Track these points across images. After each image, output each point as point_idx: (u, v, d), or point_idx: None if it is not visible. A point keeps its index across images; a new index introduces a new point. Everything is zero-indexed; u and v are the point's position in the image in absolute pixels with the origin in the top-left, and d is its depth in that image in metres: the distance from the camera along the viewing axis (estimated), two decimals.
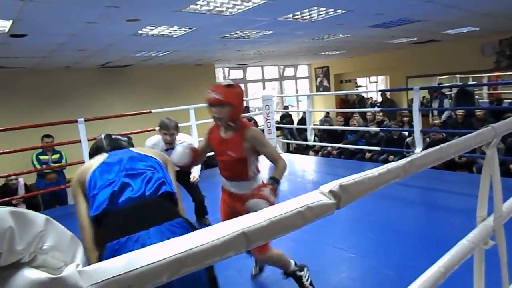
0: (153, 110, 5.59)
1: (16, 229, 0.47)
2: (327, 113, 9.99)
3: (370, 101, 11.58)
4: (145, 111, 5.62)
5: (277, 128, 7.28)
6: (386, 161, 6.42)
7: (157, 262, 0.44)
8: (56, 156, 5.54)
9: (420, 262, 2.60)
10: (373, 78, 12.64)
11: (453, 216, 3.50)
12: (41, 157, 5.42)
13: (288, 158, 6.89)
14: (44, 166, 5.37)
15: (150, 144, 3.31)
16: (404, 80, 10.03)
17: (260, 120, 7.93)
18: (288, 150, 8.99)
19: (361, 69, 11.49)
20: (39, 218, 0.53)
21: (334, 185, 0.71)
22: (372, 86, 12.48)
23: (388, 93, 10.43)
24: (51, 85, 7.18)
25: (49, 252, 0.51)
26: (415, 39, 7.63)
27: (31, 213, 0.52)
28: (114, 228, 1.27)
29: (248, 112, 8.40)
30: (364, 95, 11.73)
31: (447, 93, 9.06)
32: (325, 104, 11.95)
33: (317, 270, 2.67)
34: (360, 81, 12.61)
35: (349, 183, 0.73)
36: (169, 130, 3.25)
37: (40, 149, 5.41)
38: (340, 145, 6.94)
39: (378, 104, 11.00)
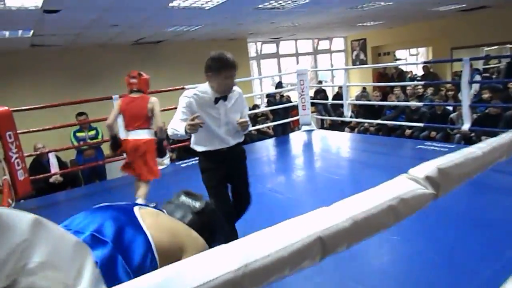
0: (186, 86, 5.51)
1: None
2: (364, 88, 9.57)
3: (409, 75, 10.96)
4: (178, 87, 5.56)
5: (312, 104, 7.04)
6: (428, 138, 6.07)
7: (205, 284, 0.30)
8: (93, 132, 5.63)
9: (471, 248, 2.40)
10: (413, 51, 11.93)
11: (508, 198, 3.23)
12: (78, 134, 5.53)
13: (323, 134, 6.68)
14: (81, 142, 5.47)
15: (191, 96, 2.31)
16: (448, 52, 9.37)
17: (293, 95, 7.70)
18: (322, 126, 8.74)
19: (401, 41, 10.84)
20: (22, 220, 0.37)
21: (429, 168, 0.54)
22: (412, 59, 11.79)
23: (430, 66, 9.81)
24: (86, 63, 7.26)
25: (39, 272, 0.35)
26: (464, 5, 7.02)
27: (10, 213, 0.36)
28: None
29: (281, 87, 8.17)
30: (404, 68, 11.11)
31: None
32: (361, 79, 11.45)
33: (357, 252, 2.53)
34: (399, 53, 11.94)
35: (450, 166, 0.55)
36: (232, 70, 2.25)
37: (77, 127, 5.51)
38: (379, 121, 6.62)
39: (418, 78, 10.40)
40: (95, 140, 5.57)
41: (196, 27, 6.36)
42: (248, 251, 0.33)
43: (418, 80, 9.87)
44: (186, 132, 2.13)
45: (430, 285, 2.11)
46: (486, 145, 0.63)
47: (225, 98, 2.36)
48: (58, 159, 5.57)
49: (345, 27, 9.42)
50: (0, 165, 3.94)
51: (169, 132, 2.28)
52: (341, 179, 4.16)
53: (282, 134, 7.04)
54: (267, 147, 6.13)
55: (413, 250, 2.51)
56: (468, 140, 5.59)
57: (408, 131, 6.49)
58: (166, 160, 5.76)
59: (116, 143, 3.53)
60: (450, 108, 6.31)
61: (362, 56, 11.69)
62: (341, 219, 0.40)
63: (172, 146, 6.19)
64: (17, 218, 0.35)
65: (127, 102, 3.55)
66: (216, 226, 1.31)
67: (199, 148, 2.43)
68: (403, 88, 7.85)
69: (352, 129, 7.71)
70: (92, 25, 5.01)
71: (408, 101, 6.79)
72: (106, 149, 6.06)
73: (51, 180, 5.15)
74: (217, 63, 2.24)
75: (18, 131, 4.16)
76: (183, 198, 1.30)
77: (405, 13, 7.35)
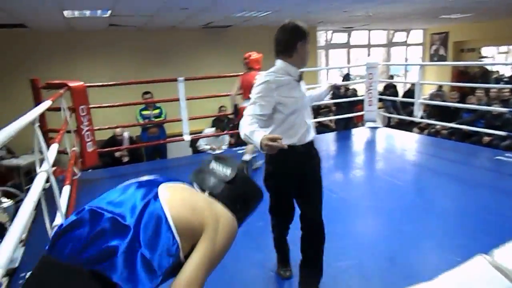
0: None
1: None
2: (440, 86, 8.81)
3: (495, 76, 9.86)
4: (242, 73, 5.53)
5: (379, 100, 6.63)
6: (510, 148, 5.42)
7: None
8: (157, 111, 5.85)
9: None
10: (502, 48, 10.69)
11: None
12: (144, 112, 5.78)
13: (388, 133, 6.28)
14: (146, 120, 5.72)
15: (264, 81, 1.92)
16: None
17: (361, 89, 7.32)
18: (388, 124, 8.23)
19: (489, 37, 9.75)
20: None
21: None
22: (500, 58, 10.59)
23: None
24: (157, 44, 7.50)
25: None
26: None
27: None
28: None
29: (348, 80, 7.80)
30: (489, 68, 10.02)
31: None
32: (438, 77, 10.56)
33: (419, 270, 2.30)
34: (486, 51, 10.78)
35: None
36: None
37: (143, 105, 5.75)
38: (453, 124, 6.04)
39: (506, 79, 9.32)
40: (158, 120, 5.78)
41: (264, 13, 6.25)
42: None
43: (505, 82, 8.84)
44: (261, 148, 1.62)
45: None
46: None
47: (298, 79, 2.01)
48: (131, 139, 5.92)
49: (426, 19, 8.68)
50: (68, 136, 4.20)
51: (241, 134, 1.79)
52: (403, 185, 3.86)
53: (344, 128, 6.75)
54: (326, 141, 5.91)
55: None
56: None
57: (486, 139, 5.85)
58: (224, 145, 5.82)
59: (236, 111, 4.37)
60: None
61: (442, 51, 10.76)
62: None
63: (231, 132, 6.23)
64: None
65: (243, 77, 4.42)
66: (249, 195, 1.21)
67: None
68: (487, 90, 7.09)
69: (421, 130, 7.16)
70: (164, 7, 5.12)
71: (490, 105, 6.10)
72: (168, 128, 6.28)
73: (116, 154, 5.49)
74: (303, 29, 1.90)
75: (90, 106, 4.42)
76: (213, 165, 1.21)
77: (500, 5, 6.55)
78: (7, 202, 2.95)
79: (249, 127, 1.76)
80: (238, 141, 6.61)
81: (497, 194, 3.44)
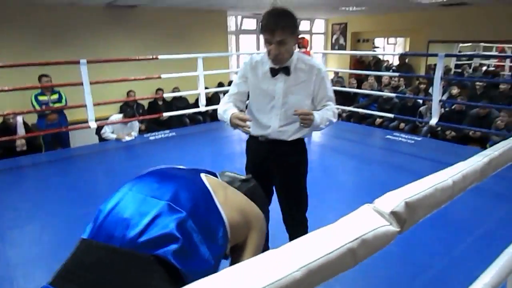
0: (159, 56, 5.30)
1: None
2: (337, 73, 9.59)
3: (385, 64, 11.08)
4: (151, 56, 5.34)
5: None
6: (397, 129, 6.20)
7: None
8: (55, 96, 5.34)
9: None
10: (391, 40, 12.01)
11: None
12: (40, 98, 5.22)
13: None
14: (44, 107, 5.19)
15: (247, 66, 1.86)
16: (424, 44, 9.48)
17: None
18: None
19: (381, 29, 10.86)
20: None
21: (396, 201, 0.50)
22: (389, 48, 11.89)
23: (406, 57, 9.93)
24: (55, 22, 6.76)
25: None
26: (445, 0, 7.07)
27: None
28: (66, 267, 0.83)
29: None
30: (381, 57, 11.20)
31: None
32: (339, 64, 11.47)
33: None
34: (378, 41, 12.00)
35: (418, 199, 0.51)
36: (270, 34, 1.61)
37: (38, 90, 5.19)
38: (351, 108, 6.67)
39: (394, 67, 10.52)
40: (58, 106, 5.30)
41: None
42: None
43: (394, 70, 9.98)
44: (231, 125, 1.71)
45: None
46: (457, 171, 0.60)
47: (287, 70, 1.72)
48: (25, 125, 5.32)
49: (328, 10, 9.32)
50: None
51: (218, 112, 1.83)
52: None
53: None
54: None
55: None
56: (434, 134, 5.76)
57: (378, 120, 6.60)
58: (134, 132, 5.59)
59: None
60: (421, 101, 6.44)
61: (342, 41, 11.65)
62: (293, 268, 0.36)
63: (141, 118, 6.02)
64: None
65: None
66: (259, 200, 1.27)
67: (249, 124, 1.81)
68: (379, 77, 7.92)
69: None
70: None
71: (381, 90, 6.87)
72: (70, 114, 5.80)
73: (17, 148, 4.95)
74: (261, 19, 1.66)
75: None
76: (228, 172, 1.32)
77: (388, 1, 7.32)
78: None
79: (223, 106, 1.80)
80: (149, 127, 6.42)
81: (387, 168, 3.96)
